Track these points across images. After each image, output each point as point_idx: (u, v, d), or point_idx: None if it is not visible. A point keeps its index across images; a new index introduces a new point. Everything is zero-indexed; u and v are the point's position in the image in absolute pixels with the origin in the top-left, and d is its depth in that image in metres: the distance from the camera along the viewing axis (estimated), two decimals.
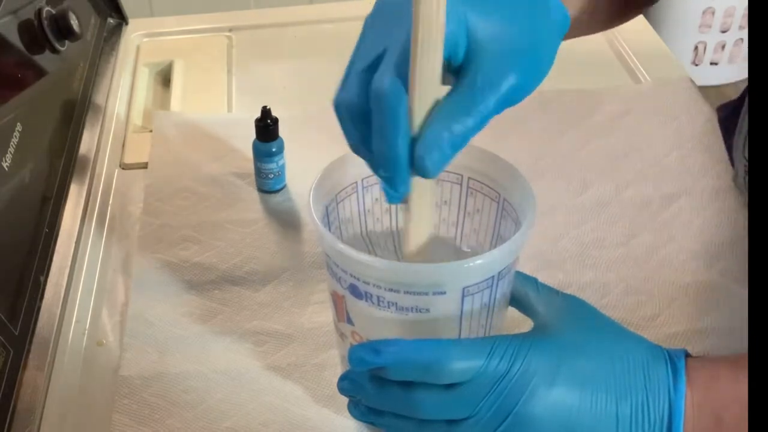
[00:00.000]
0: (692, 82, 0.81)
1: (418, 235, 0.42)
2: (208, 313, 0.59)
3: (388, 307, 0.41)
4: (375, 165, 0.40)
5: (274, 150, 0.67)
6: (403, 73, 0.37)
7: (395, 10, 0.40)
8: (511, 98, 0.39)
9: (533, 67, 0.40)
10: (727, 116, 0.76)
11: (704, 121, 0.74)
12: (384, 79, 0.38)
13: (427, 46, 0.36)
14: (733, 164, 0.70)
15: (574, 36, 0.51)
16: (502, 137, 0.73)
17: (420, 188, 0.40)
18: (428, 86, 0.37)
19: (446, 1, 0.36)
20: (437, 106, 0.38)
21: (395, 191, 0.39)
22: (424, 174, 0.38)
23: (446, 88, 0.39)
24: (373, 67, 0.39)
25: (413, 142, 0.38)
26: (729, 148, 0.73)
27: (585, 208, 0.66)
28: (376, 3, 0.43)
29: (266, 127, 0.66)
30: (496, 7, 0.40)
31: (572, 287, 0.60)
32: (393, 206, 0.50)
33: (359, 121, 0.40)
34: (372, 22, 0.42)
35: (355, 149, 0.41)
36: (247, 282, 0.61)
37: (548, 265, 0.62)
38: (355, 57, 0.41)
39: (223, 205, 0.68)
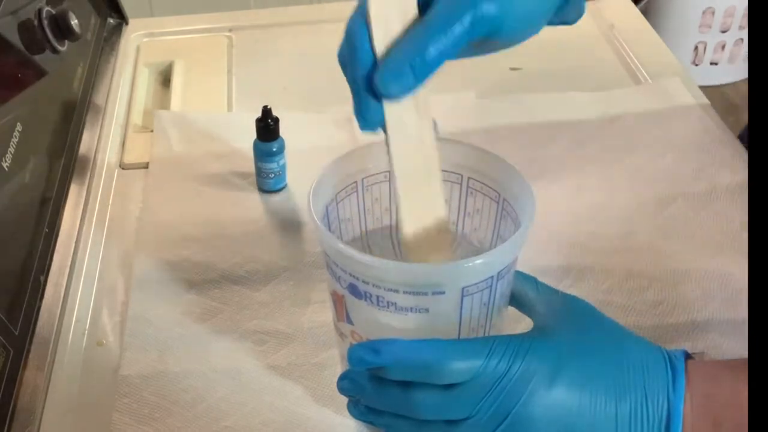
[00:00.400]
0: (690, 82, 0.81)
1: (408, 174, 0.42)
2: (208, 312, 0.59)
3: (388, 307, 0.41)
4: (351, 92, 0.41)
5: (274, 149, 0.67)
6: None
7: None
8: (481, 26, 0.40)
9: (507, 5, 0.40)
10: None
11: (700, 121, 0.74)
12: (353, 15, 0.40)
13: None
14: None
15: None
16: (497, 139, 0.73)
17: (397, 118, 0.41)
18: (393, 15, 0.39)
19: None
20: (405, 34, 0.40)
21: (365, 121, 0.41)
22: (384, 93, 0.39)
23: None
24: None
25: None
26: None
27: (581, 209, 0.66)
28: None
29: (267, 127, 0.66)
30: None
31: (573, 272, 0.60)
32: (392, 206, 0.50)
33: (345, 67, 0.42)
34: None
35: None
36: (248, 281, 0.61)
37: (548, 251, 0.62)
38: None
39: (224, 205, 0.68)
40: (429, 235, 0.43)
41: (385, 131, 0.41)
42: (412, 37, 0.39)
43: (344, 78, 0.42)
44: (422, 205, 0.43)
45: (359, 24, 0.40)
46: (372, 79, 0.40)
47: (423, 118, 0.42)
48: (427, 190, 0.43)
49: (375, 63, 0.40)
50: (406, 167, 0.42)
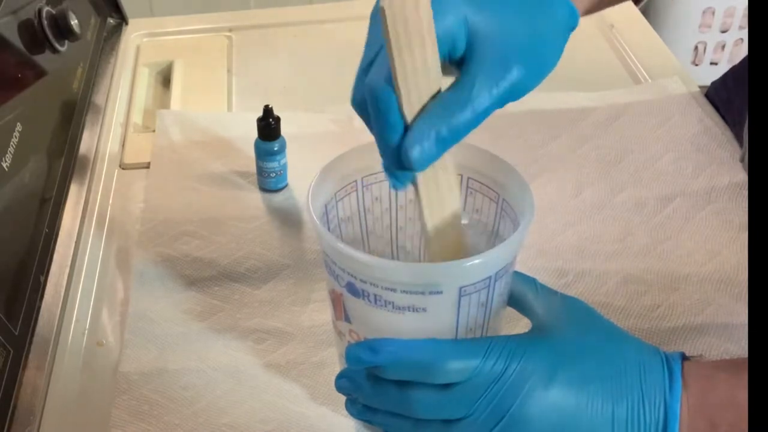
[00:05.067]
0: (690, 82, 0.81)
1: (437, 226, 0.42)
2: (208, 310, 0.59)
3: (385, 306, 0.41)
4: (381, 156, 0.40)
5: (276, 149, 0.67)
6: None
7: None
8: (510, 94, 0.39)
9: (534, 63, 0.40)
10: (717, 88, 0.76)
11: (700, 121, 0.74)
12: (372, 78, 0.38)
13: (408, 42, 0.37)
14: (741, 143, 0.69)
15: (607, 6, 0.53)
16: (496, 139, 0.73)
17: (427, 178, 0.41)
18: (420, 81, 0.38)
19: None
20: (433, 100, 0.38)
21: (398, 182, 0.40)
22: (409, 167, 0.38)
23: (450, 80, 0.39)
24: (371, 66, 0.40)
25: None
26: (733, 124, 0.72)
27: (580, 209, 0.66)
28: None
29: (268, 126, 0.66)
30: (497, 3, 0.40)
31: (570, 275, 0.60)
32: (392, 205, 0.50)
33: (367, 117, 0.40)
34: (374, 19, 0.42)
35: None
36: (248, 279, 0.61)
37: (546, 253, 0.62)
38: (363, 56, 0.42)
39: (225, 203, 0.68)
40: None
41: (415, 188, 0.41)
42: (444, 105, 0.38)
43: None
44: (448, 253, 0.43)
45: (387, 91, 0.38)
46: (400, 148, 0.38)
47: (451, 171, 0.42)
48: (454, 239, 0.43)
49: (404, 130, 0.39)
50: (435, 222, 0.42)
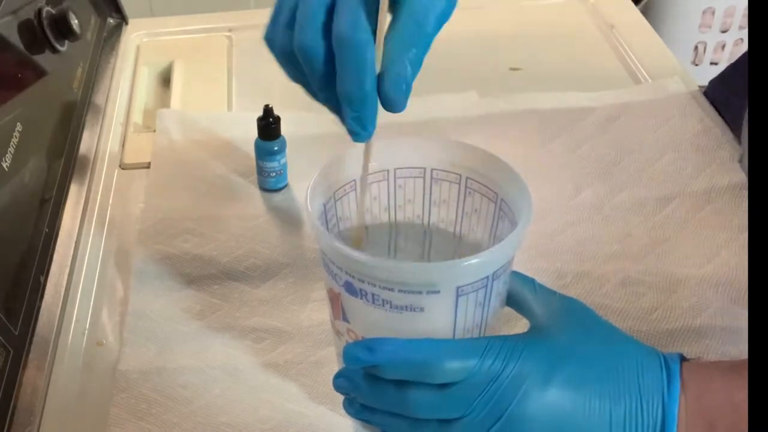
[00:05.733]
0: (690, 82, 0.81)
1: None
2: (207, 308, 0.59)
3: (383, 305, 0.41)
4: (342, 105, 0.41)
5: (276, 148, 0.67)
6: (362, 12, 0.39)
7: None
8: (446, 16, 0.41)
9: None
10: (715, 87, 0.76)
11: (699, 121, 0.74)
12: (351, 25, 0.39)
13: None
14: (739, 143, 0.69)
15: None
16: (496, 139, 0.73)
17: None
18: (383, 21, 0.40)
19: None
20: (387, 40, 0.40)
21: (364, 130, 0.41)
22: (393, 108, 0.40)
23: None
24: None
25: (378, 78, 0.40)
26: (731, 124, 0.72)
27: (579, 210, 0.66)
28: None
29: (268, 126, 0.66)
30: None
31: (569, 276, 0.60)
32: (391, 204, 0.50)
33: (315, 64, 0.41)
34: None
35: (305, 86, 0.44)
36: (248, 278, 0.61)
37: (545, 254, 0.62)
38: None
39: (225, 202, 0.68)
40: None
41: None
42: (404, 42, 0.40)
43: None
44: None
45: (371, 44, 0.40)
46: (382, 93, 0.40)
47: None
48: None
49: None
50: None
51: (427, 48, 0.41)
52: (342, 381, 0.45)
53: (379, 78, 0.40)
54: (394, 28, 0.40)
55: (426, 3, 0.40)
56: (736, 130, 0.72)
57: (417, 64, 0.40)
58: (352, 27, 0.39)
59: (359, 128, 0.41)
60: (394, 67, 0.40)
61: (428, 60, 0.41)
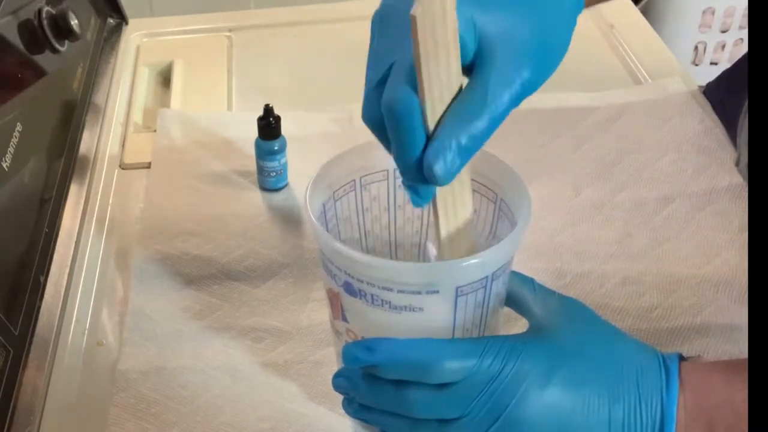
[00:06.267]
0: (690, 82, 0.81)
1: (452, 238, 0.42)
2: (207, 308, 0.59)
3: (382, 306, 0.41)
4: (400, 173, 0.39)
5: (276, 148, 0.67)
6: (414, 80, 0.36)
7: (399, 15, 0.39)
8: (523, 94, 0.38)
9: (545, 60, 0.39)
10: (713, 89, 0.76)
11: (699, 122, 0.74)
12: (393, 89, 0.37)
13: (436, 53, 0.35)
14: (735, 146, 0.69)
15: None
16: (496, 139, 0.72)
17: (445, 190, 0.40)
18: (443, 91, 0.37)
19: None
20: (449, 110, 0.37)
21: (420, 198, 0.39)
22: (434, 182, 0.37)
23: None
24: (386, 78, 0.38)
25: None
26: (727, 127, 0.72)
27: (580, 210, 0.66)
28: (381, 5, 0.42)
29: (269, 125, 0.66)
30: (503, 2, 0.39)
31: (569, 276, 0.60)
32: (391, 204, 0.50)
33: (383, 133, 0.39)
34: (380, 29, 0.41)
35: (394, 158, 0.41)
36: (247, 278, 0.62)
37: (545, 254, 0.62)
38: (368, 69, 0.40)
39: (225, 202, 0.68)
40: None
41: (434, 201, 0.40)
42: (463, 114, 0.37)
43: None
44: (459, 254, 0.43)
45: (413, 105, 0.36)
46: (423, 163, 0.37)
47: (466, 181, 0.41)
48: (466, 249, 0.43)
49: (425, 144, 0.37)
50: (450, 232, 0.42)
51: (493, 123, 0.37)
52: (341, 381, 0.45)
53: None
54: (461, 96, 0.37)
55: (504, 74, 0.37)
56: (732, 134, 0.72)
57: (473, 140, 0.36)
58: (398, 91, 0.36)
59: (414, 195, 0.39)
60: (440, 137, 0.36)
61: None
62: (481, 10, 0.38)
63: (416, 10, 0.34)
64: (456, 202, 0.41)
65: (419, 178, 0.37)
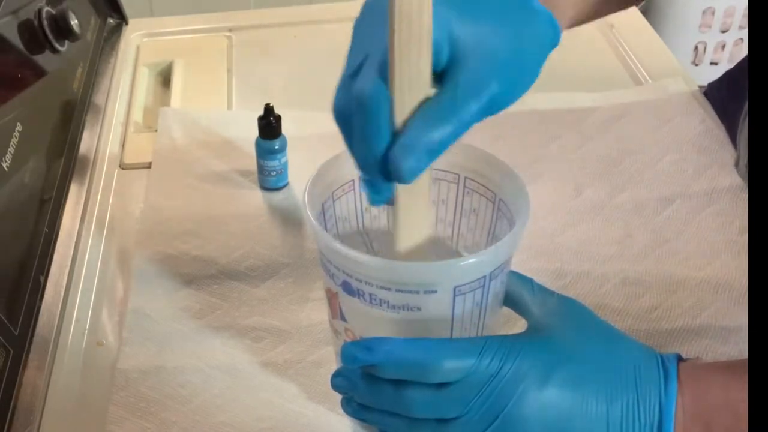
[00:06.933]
0: (690, 82, 0.81)
1: (407, 238, 0.42)
2: (207, 308, 0.59)
3: (380, 305, 0.41)
4: (359, 167, 0.39)
5: (276, 147, 0.67)
6: (386, 75, 0.37)
7: (379, 11, 0.39)
8: (491, 107, 0.38)
9: (515, 77, 0.39)
10: (712, 92, 0.76)
11: (700, 122, 0.74)
12: (365, 80, 0.37)
13: (408, 45, 0.36)
14: (735, 146, 0.69)
15: (598, 17, 0.53)
16: (496, 139, 0.73)
17: (407, 190, 0.40)
18: (413, 88, 0.37)
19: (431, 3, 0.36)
20: (418, 110, 0.37)
21: (377, 195, 0.39)
22: (399, 179, 0.37)
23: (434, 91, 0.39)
24: (359, 71, 0.39)
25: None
26: (728, 128, 0.72)
27: (580, 210, 0.66)
28: (363, 5, 0.42)
29: (269, 125, 0.66)
30: (482, 15, 0.40)
31: (569, 276, 0.60)
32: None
33: (349, 126, 0.39)
34: (359, 26, 0.42)
35: (350, 152, 0.41)
36: (247, 277, 0.62)
37: (545, 254, 0.62)
38: (346, 63, 0.41)
39: (226, 202, 0.68)
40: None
41: (394, 201, 0.40)
42: (431, 116, 0.37)
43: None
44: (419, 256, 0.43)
45: (383, 97, 0.37)
46: (387, 160, 0.37)
47: (426, 184, 0.41)
48: (424, 252, 0.43)
49: (392, 141, 0.37)
50: (408, 235, 0.42)
51: (460, 128, 0.37)
52: (340, 380, 0.45)
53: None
54: (431, 99, 0.38)
55: (475, 83, 0.37)
56: (732, 135, 0.72)
57: (439, 144, 0.37)
58: (369, 84, 0.37)
59: (372, 192, 0.39)
60: (407, 135, 0.37)
61: None
62: (460, 20, 0.39)
63: None
64: (418, 207, 0.41)
65: (380, 174, 0.38)
